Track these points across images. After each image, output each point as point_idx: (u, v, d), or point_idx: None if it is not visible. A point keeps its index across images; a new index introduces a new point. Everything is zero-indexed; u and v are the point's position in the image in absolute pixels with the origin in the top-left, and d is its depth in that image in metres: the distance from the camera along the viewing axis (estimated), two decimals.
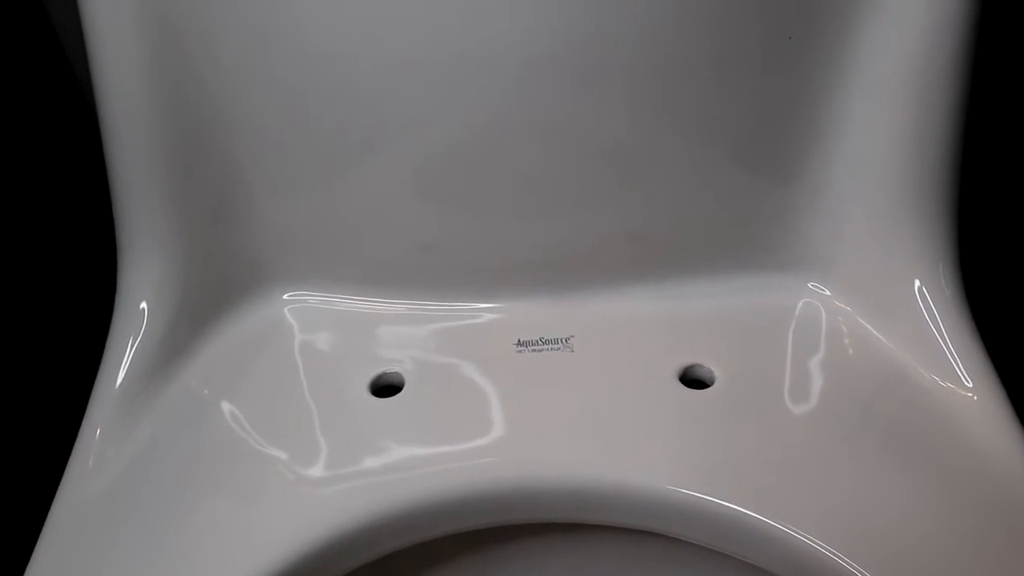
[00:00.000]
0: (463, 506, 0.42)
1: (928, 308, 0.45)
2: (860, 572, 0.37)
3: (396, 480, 0.42)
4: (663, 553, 0.47)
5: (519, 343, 0.48)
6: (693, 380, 0.46)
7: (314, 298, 0.51)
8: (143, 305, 0.47)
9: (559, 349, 0.48)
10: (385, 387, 0.47)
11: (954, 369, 0.44)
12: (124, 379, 0.46)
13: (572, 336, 0.48)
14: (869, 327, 0.47)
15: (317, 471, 0.43)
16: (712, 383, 0.46)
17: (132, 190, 0.47)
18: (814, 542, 0.38)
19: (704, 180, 0.48)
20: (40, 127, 0.58)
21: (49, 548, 0.41)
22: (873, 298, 0.48)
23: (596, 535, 0.47)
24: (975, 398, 0.43)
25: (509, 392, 0.46)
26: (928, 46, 0.44)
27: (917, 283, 0.46)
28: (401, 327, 0.50)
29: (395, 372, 0.48)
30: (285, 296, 0.51)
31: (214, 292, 0.50)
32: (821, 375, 0.46)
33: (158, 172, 0.47)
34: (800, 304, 0.49)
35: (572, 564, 0.49)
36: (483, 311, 0.50)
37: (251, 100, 0.46)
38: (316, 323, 0.50)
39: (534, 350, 0.48)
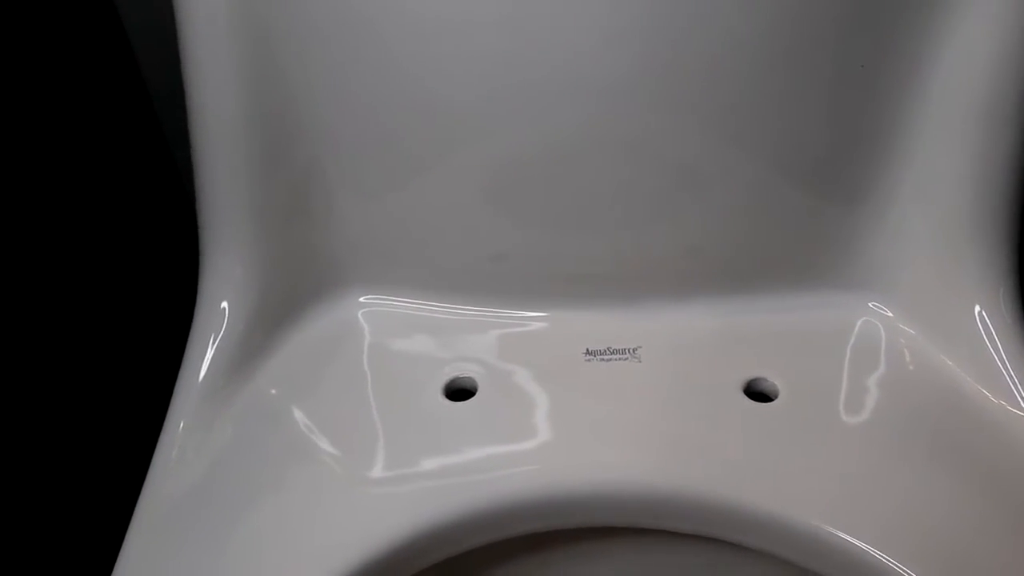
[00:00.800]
0: (537, 509, 0.44)
1: (988, 332, 0.47)
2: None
3: (473, 482, 0.44)
4: (723, 560, 0.48)
5: (587, 352, 0.50)
6: (757, 393, 0.48)
7: (388, 302, 0.53)
8: (224, 304, 0.49)
9: (627, 359, 0.49)
10: (459, 391, 0.49)
11: (1012, 391, 0.46)
12: (205, 376, 0.48)
13: (639, 347, 0.50)
14: (928, 347, 0.49)
15: (393, 472, 0.44)
16: (776, 396, 0.47)
17: (217, 192, 0.48)
18: (873, 551, 0.40)
19: (771, 201, 0.49)
20: (111, 126, 0.60)
21: (137, 540, 0.42)
22: (932, 319, 0.49)
23: (657, 539, 0.49)
24: None
25: (579, 399, 0.47)
26: (996, 75, 0.46)
27: (977, 308, 0.48)
28: (473, 333, 0.51)
29: (468, 376, 0.49)
30: (361, 299, 0.53)
31: (292, 293, 0.51)
32: (880, 391, 0.48)
33: (243, 175, 0.48)
34: (860, 322, 0.51)
35: (631, 568, 0.51)
36: (552, 320, 0.52)
37: (336, 109, 0.47)
38: (389, 327, 0.52)
39: (602, 359, 0.49)
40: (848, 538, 0.40)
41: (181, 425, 0.47)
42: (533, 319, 0.52)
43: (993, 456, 0.44)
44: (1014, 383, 0.46)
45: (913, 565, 0.39)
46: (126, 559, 0.42)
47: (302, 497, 0.44)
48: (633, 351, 0.50)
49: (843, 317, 0.51)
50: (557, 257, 0.51)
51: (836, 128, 0.47)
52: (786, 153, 0.48)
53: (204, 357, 0.48)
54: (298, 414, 0.48)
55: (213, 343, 0.48)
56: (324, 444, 0.46)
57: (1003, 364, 0.46)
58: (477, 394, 0.48)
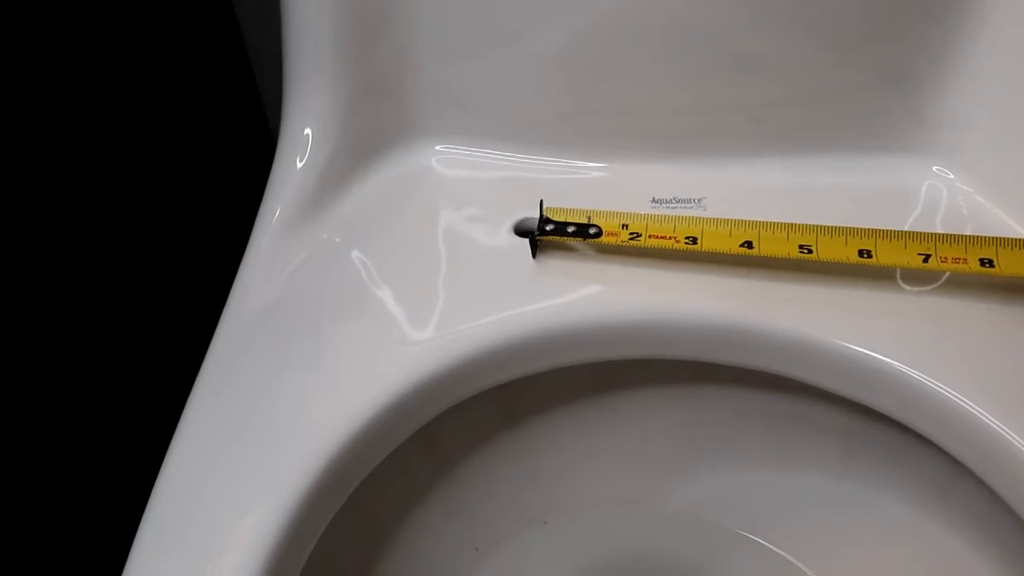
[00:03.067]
0: (596, 336, 0.46)
1: None
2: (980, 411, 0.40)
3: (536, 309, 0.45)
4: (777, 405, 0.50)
5: (654, 200, 0.51)
6: None
7: (461, 151, 0.55)
8: (307, 131, 0.51)
9: (691, 208, 0.51)
10: (527, 231, 0.51)
11: None
12: (289, 202, 0.50)
13: (704, 197, 0.51)
14: (989, 205, 0.50)
15: (449, 309, 0.46)
16: None
17: (303, 26, 0.50)
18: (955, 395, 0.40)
19: (832, 64, 0.51)
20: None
21: (216, 361, 0.45)
22: (1002, 184, 0.50)
23: (713, 380, 0.50)
24: None
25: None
26: None
27: None
28: (544, 177, 0.53)
29: (535, 218, 0.51)
30: (437, 147, 0.55)
31: (372, 134, 0.53)
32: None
33: (332, 11, 0.50)
34: (925, 185, 0.52)
35: (689, 408, 0.52)
36: (619, 171, 0.53)
37: None
38: (462, 173, 0.54)
39: (668, 207, 0.51)
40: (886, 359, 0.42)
41: (265, 245, 0.49)
42: (601, 169, 0.54)
43: None
44: None
45: (975, 395, 0.40)
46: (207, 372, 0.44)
47: (367, 334, 0.45)
48: (698, 201, 0.51)
49: (907, 179, 0.52)
50: (623, 115, 0.53)
51: None
52: (854, 13, 0.49)
53: (290, 178, 0.50)
54: (365, 253, 0.49)
55: (299, 163, 0.50)
56: (388, 288, 0.47)
57: None
58: None
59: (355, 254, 0.49)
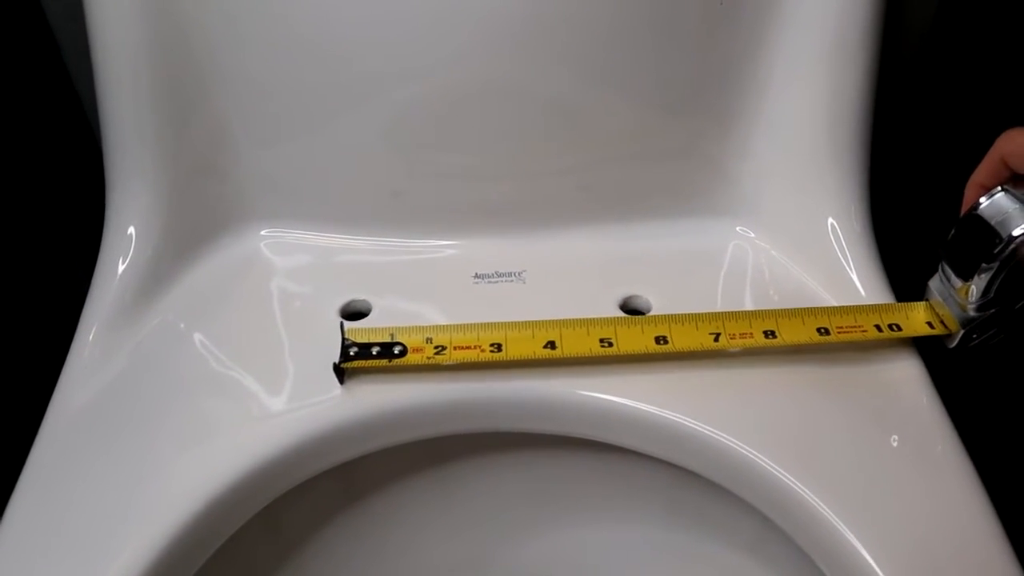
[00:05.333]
0: (426, 415, 0.47)
1: (839, 241, 0.52)
2: (780, 471, 0.42)
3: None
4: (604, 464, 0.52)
5: (476, 275, 0.53)
6: (632, 309, 0.52)
7: (289, 235, 0.56)
8: (131, 230, 0.51)
9: (512, 281, 0.53)
10: (354, 313, 0.52)
11: (858, 291, 0.51)
12: (113, 300, 0.50)
13: (524, 270, 0.53)
14: (785, 261, 0.54)
15: (287, 392, 0.47)
16: (649, 311, 0.51)
17: (121, 122, 0.51)
18: (737, 444, 0.43)
19: (644, 136, 0.54)
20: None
21: (42, 451, 0.45)
22: (792, 237, 0.54)
23: (549, 447, 0.52)
24: None
25: (467, 317, 0.50)
26: (842, 15, 0.50)
27: (831, 220, 0.52)
28: (369, 259, 0.55)
29: (363, 300, 0.52)
30: (262, 232, 0.56)
31: (197, 224, 0.54)
32: (742, 300, 0.52)
33: (147, 109, 0.51)
34: (730, 246, 0.55)
35: (526, 475, 0.54)
36: (444, 247, 0.55)
37: (237, 53, 0.51)
38: (289, 257, 0.55)
39: (490, 282, 0.53)
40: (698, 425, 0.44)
41: (88, 344, 0.49)
42: (426, 247, 0.55)
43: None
44: (860, 284, 0.51)
45: (758, 447, 0.43)
46: (30, 471, 0.44)
47: (204, 415, 0.46)
48: (519, 274, 0.53)
49: (714, 241, 0.55)
50: (449, 192, 0.55)
51: (700, 64, 0.51)
52: (655, 90, 0.52)
53: (112, 281, 0.51)
54: (198, 343, 0.50)
55: (121, 265, 0.51)
56: (226, 367, 0.48)
57: (850, 267, 0.51)
58: (371, 315, 0.51)
59: (187, 341, 0.50)
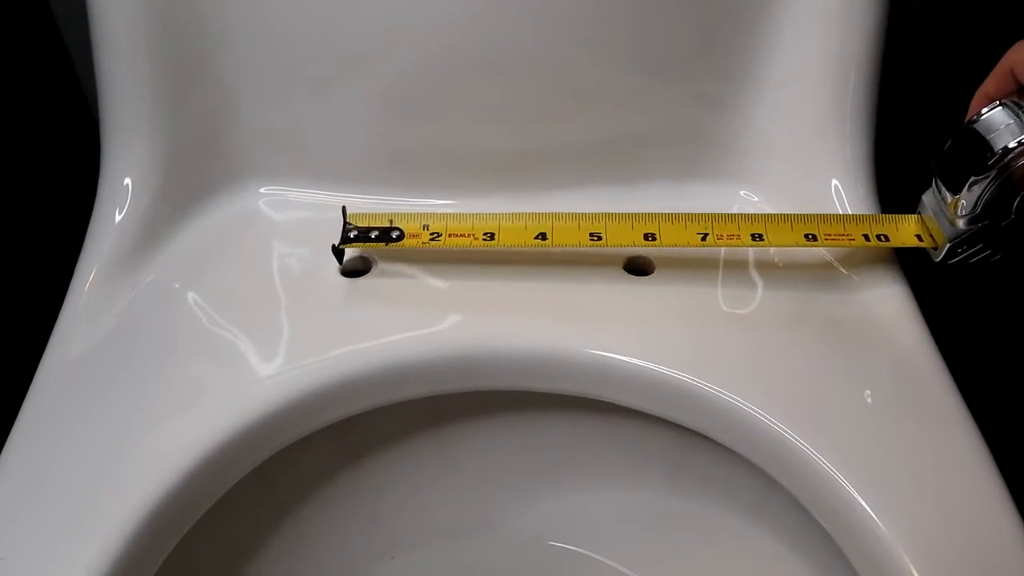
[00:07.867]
0: (426, 370, 0.47)
1: (843, 204, 0.51)
2: (773, 423, 0.42)
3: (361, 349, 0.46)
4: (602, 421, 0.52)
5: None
6: (636, 269, 0.51)
7: (289, 193, 0.55)
8: (127, 181, 0.51)
9: None
10: (353, 271, 0.51)
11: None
12: (110, 248, 0.50)
13: None
14: None
15: (288, 348, 0.46)
16: (652, 271, 0.51)
17: (117, 73, 0.50)
18: (733, 398, 0.43)
19: (647, 97, 0.53)
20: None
21: (36, 401, 0.44)
22: (796, 200, 0.53)
23: (548, 406, 0.52)
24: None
25: (469, 277, 0.50)
26: None
27: (835, 182, 0.52)
28: None
29: (362, 256, 0.51)
30: (262, 190, 0.55)
31: (195, 179, 0.53)
32: (745, 263, 0.52)
33: (144, 59, 0.50)
34: (734, 209, 0.55)
35: (521, 436, 0.54)
36: (444, 207, 0.55)
37: (241, 7, 0.50)
38: (289, 214, 0.54)
39: None
40: (706, 385, 0.44)
41: (84, 294, 0.48)
42: (425, 207, 0.55)
43: (837, 308, 0.48)
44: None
45: (765, 407, 0.43)
46: (24, 419, 0.43)
47: (197, 373, 0.45)
48: None
49: (717, 205, 0.55)
50: (450, 152, 0.55)
51: (705, 26, 0.51)
52: (660, 57, 0.52)
53: (109, 228, 0.50)
54: (195, 296, 0.49)
55: (117, 216, 0.50)
56: (220, 326, 0.48)
57: None
58: (371, 270, 0.51)
59: (182, 297, 0.49)
